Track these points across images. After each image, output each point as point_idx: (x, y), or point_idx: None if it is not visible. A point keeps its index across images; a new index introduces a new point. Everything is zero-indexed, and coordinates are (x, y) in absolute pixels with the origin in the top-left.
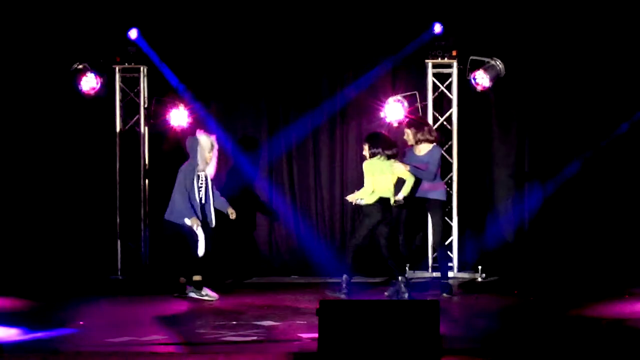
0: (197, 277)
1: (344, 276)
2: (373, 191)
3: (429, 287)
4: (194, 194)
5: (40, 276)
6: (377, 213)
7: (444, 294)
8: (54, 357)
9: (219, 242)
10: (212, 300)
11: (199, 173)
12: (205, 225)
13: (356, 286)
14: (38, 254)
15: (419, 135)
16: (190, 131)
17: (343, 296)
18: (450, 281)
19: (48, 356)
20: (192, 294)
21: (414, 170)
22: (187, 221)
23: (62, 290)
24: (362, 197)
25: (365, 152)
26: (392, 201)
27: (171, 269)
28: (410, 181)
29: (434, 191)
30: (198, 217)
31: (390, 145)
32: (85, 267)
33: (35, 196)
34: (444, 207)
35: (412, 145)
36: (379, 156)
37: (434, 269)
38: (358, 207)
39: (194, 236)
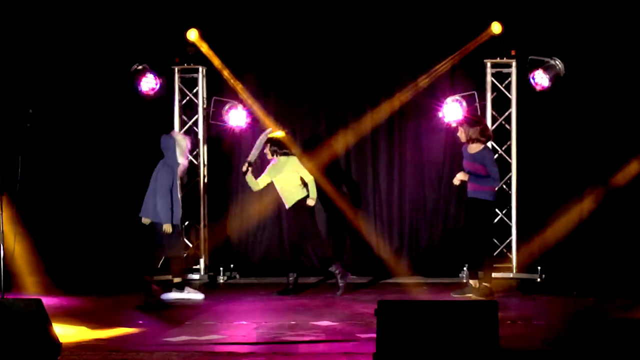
0: (178, 279)
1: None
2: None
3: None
4: (177, 192)
5: (99, 275)
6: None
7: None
8: (112, 355)
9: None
10: (198, 300)
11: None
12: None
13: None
14: (97, 253)
15: (471, 134)
16: (249, 130)
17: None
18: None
19: (107, 355)
20: (176, 295)
21: (480, 179)
22: (166, 227)
23: (121, 289)
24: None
25: (267, 150)
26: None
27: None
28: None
29: (482, 191)
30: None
31: (282, 145)
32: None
33: (94, 196)
34: (490, 208)
35: (465, 143)
36: (276, 154)
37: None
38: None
39: (166, 238)
